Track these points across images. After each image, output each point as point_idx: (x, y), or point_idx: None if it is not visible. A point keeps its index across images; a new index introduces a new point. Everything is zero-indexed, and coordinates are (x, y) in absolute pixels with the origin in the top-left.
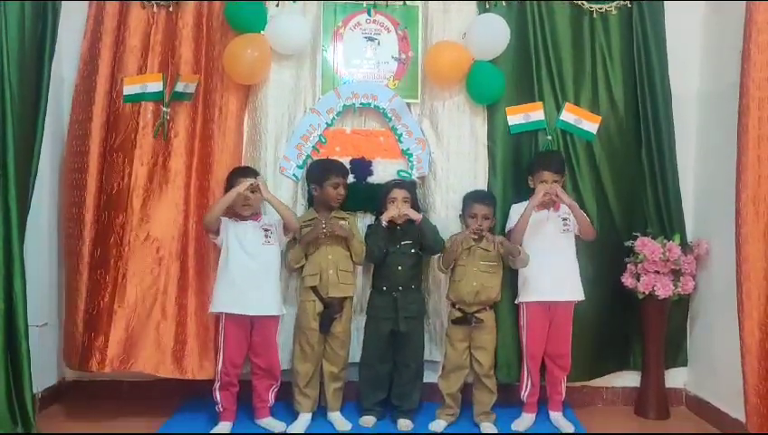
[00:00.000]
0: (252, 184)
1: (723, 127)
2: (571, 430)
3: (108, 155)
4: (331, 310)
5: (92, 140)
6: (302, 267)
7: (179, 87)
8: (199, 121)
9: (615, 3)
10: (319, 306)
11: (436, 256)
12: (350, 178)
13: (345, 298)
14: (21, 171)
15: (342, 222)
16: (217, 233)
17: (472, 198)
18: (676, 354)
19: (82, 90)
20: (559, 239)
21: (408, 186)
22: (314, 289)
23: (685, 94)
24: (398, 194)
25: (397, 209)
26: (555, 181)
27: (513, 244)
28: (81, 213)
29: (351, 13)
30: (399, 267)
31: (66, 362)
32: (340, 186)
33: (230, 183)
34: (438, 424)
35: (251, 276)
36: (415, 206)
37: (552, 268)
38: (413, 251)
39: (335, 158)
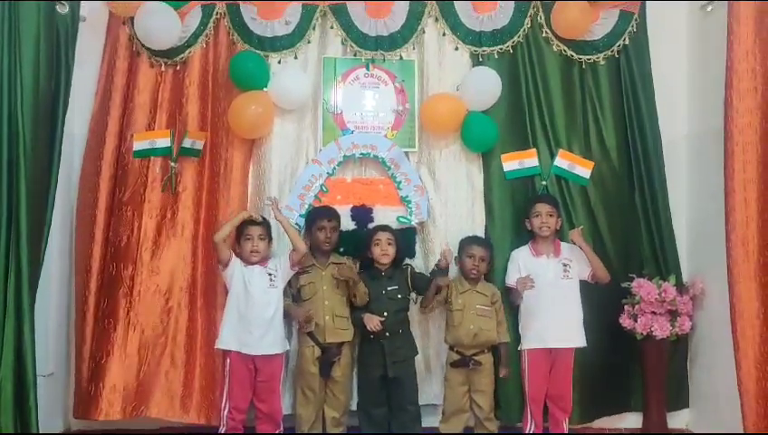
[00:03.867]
0: (250, 215)
1: (712, 169)
2: None
3: (116, 209)
4: (328, 354)
5: (101, 193)
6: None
7: (187, 143)
8: (206, 175)
9: (603, 54)
10: (317, 351)
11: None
12: (352, 226)
13: (343, 343)
14: (33, 225)
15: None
16: (226, 266)
17: (471, 240)
18: (677, 395)
19: (93, 145)
20: (559, 286)
21: (393, 230)
22: (311, 335)
23: (674, 138)
24: (383, 236)
25: (378, 325)
26: (550, 215)
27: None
28: (89, 264)
29: (351, 67)
30: (385, 313)
31: (74, 411)
32: (325, 229)
33: (240, 231)
34: None
35: (255, 318)
36: (407, 251)
37: (553, 315)
38: (399, 296)
39: (336, 206)
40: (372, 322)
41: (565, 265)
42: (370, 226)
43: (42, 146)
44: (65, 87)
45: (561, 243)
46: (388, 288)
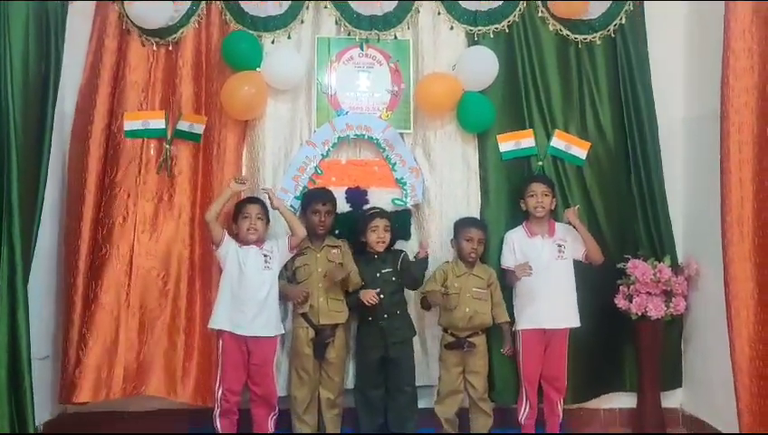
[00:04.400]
0: (237, 178)
1: (707, 150)
2: None
3: (108, 189)
4: (322, 336)
5: (89, 173)
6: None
7: (183, 126)
8: (201, 157)
9: (599, 33)
10: (311, 332)
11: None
12: (347, 208)
13: (337, 325)
14: (25, 207)
15: (334, 250)
16: (219, 245)
17: (468, 223)
18: (671, 375)
19: (80, 124)
20: (554, 266)
21: (390, 215)
22: (305, 316)
23: (670, 119)
24: (380, 223)
25: (375, 298)
26: (545, 195)
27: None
28: (77, 244)
29: (345, 47)
30: (382, 296)
31: (65, 395)
32: (320, 213)
33: (237, 211)
34: None
35: (248, 299)
36: (402, 233)
37: (548, 295)
38: (394, 279)
39: (330, 188)
40: (368, 295)
41: (559, 245)
42: (366, 208)
43: (32, 127)
44: (55, 67)
45: (556, 223)
46: (383, 271)
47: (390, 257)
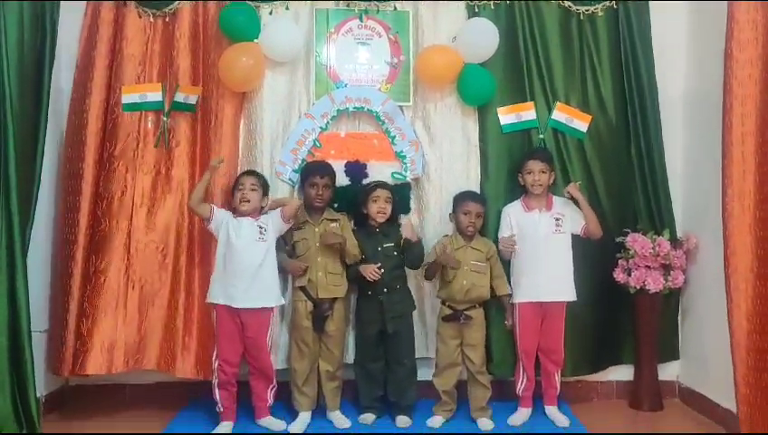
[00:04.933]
0: (214, 161)
1: (709, 124)
2: (566, 424)
3: (107, 163)
4: (321, 309)
5: (87, 147)
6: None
7: (179, 97)
8: (199, 129)
9: (601, 4)
10: (310, 306)
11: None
12: (346, 181)
13: (336, 299)
14: (23, 181)
15: (333, 224)
16: (209, 220)
17: (467, 196)
18: (668, 348)
19: (77, 98)
20: (551, 240)
21: (392, 188)
22: (303, 289)
23: (672, 93)
24: (382, 194)
25: (376, 273)
26: (542, 172)
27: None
28: (75, 218)
29: (343, 19)
30: (382, 270)
31: (64, 367)
32: (317, 186)
33: (236, 183)
34: (436, 420)
35: (241, 271)
36: (402, 207)
37: (544, 269)
38: (395, 253)
39: (330, 161)
40: (368, 270)
41: (557, 219)
42: (365, 181)
43: (28, 102)
44: (51, 41)
45: (554, 197)
46: (384, 245)
47: (392, 231)
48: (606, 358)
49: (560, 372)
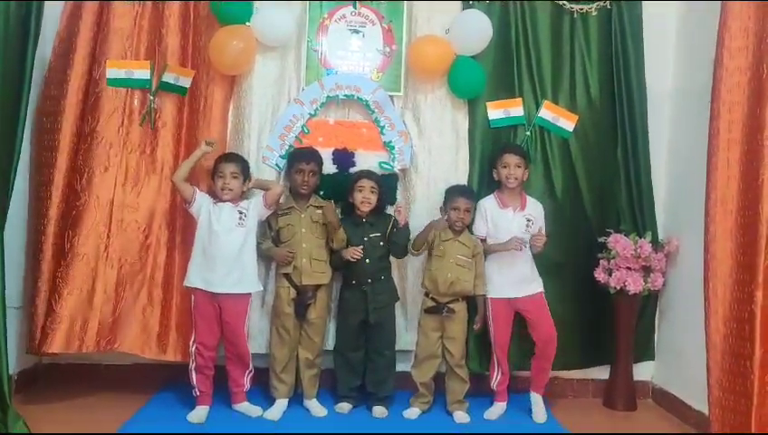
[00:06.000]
0: (207, 140)
1: (695, 127)
2: (543, 419)
3: (89, 137)
4: (303, 296)
5: (65, 119)
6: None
7: (169, 78)
8: (186, 111)
9: (595, 4)
10: (293, 292)
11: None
12: (333, 169)
13: (319, 286)
14: (2, 155)
15: (319, 211)
16: (191, 203)
17: (456, 192)
18: (644, 348)
19: (57, 67)
20: (522, 238)
21: (378, 178)
22: (287, 276)
23: (659, 94)
24: (366, 184)
25: (358, 253)
26: (518, 166)
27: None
28: (48, 191)
29: (337, 5)
30: (368, 260)
31: (33, 344)
32: (303, 172)
33: (216, 169)
34: (412, 412)
35: (220, 256)
36: (388, 197)
37: (514, 267)
38: (381, 244)
39: (317, 148)
40: (349, 251)
41: (528, 220)
42: (352, 170)
43: (11, 73)
44: (36, 10)
45: (528, 198)
46: (371, 235)
47: (380, 222)
48: (584, 356)
49: (551, 362)
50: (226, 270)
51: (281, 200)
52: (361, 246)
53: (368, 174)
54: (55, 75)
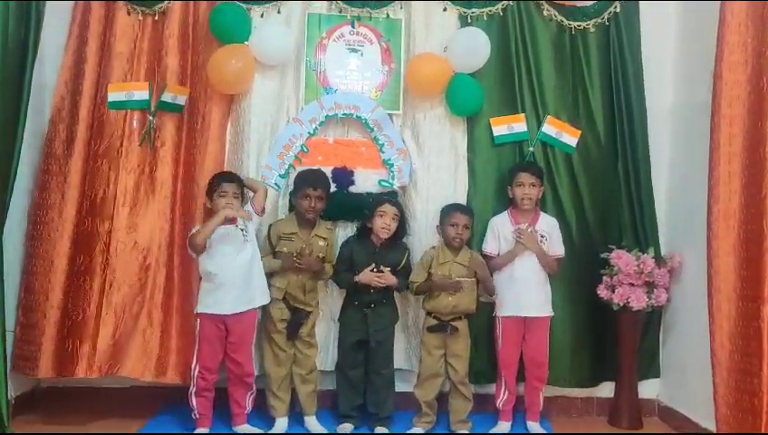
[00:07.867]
0: (227, 216)
1: (695, 142)
2: None
3: (92, 161)
4: (296, 316)
5: (77, 145)
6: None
7: (167, 97)
8: (185, 130)
9: (593, 21)
10: (286, 313)
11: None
12: (332, 188)
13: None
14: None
15: (322, 242)
16: (201, 252)
17: (454, 208)
18: (649, 365)
19: (66, 93)
20: (534, 256)
21: (401, 206)
22: (284, 299)
23: (659, 109)
24: (389, 210)
25: (377, 279)
26: (533, 185)
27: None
28: (53, 216)
29: (335, 24)
30: (372, 290)
31: (22, 369)
32: (310, 197)
33: (212, 188)
34: (416, 432)
35: (234, 278)
36: (403, 223)
37: (526, 284)
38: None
39: (318, 167)
40: (371, 278)
41: (542, 236)
42: (351, 188)
43: (9, 96)
44: (35, 34)
45: (541, 213)
46: (381, 265)
47: (392, 253)
48: (587, 375)
49: (544, 388)
50: (239, 291)
51: (285, 230)
52: (381, 266)
53: (392, 201)
54: (63, 101)
